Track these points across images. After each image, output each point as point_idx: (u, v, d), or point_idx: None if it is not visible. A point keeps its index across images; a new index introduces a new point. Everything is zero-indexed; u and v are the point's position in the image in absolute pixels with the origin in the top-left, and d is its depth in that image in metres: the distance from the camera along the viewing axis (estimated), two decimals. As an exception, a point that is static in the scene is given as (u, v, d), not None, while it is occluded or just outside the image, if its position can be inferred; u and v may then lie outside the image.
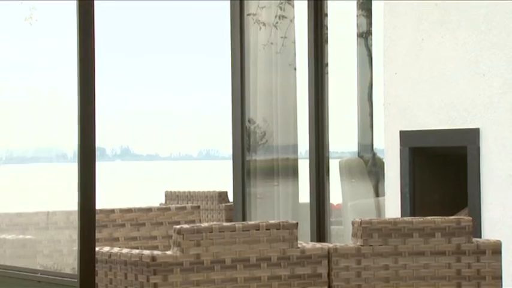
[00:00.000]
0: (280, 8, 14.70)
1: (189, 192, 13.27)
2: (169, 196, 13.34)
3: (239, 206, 14.36)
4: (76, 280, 8.02)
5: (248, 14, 14.77)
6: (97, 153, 8.22)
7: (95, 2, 8.08)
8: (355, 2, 13.94)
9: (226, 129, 14.89)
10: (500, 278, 8.73)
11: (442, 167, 11.40)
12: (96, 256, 8.17)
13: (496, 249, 8.72)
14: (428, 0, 11.43)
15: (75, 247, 8.03)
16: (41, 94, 9.29)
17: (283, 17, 14.64)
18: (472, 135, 10.89)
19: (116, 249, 8.62)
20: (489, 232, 10.11)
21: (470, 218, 9.08)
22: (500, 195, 10.57)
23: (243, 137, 14.78)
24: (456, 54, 11.11)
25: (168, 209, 10.75)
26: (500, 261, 8.74)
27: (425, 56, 11.42)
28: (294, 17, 14.40)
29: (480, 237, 9.67)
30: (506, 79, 10.48)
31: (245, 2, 14.75)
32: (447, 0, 11.21)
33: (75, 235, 8.04)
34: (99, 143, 8.32)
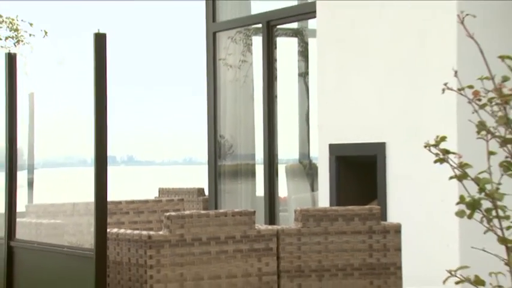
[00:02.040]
0: (243, 55, 14.69)
1: (176, 188, 13.24)
2: (162, 191, 13.31)
3: (212, 198, 14.35)
4: (93, 253, 8.06)
5: (219, 59, 14.76)
6: (108, 160, 8.27)
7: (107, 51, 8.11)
8: (297, 51, 13.94)
9: (204, 142, 14.88)
10: (400, 249, 8.77)
11: (358, 170, 11.40)
12: (108, 235, 8.18)
13: (397, 229, 8.77)
14: (348, 52, 11.45)
15: (92, 228, 8.08)
16: (69, 116, 9.26)
17: (245, 61, 14.61)
18: (380, 147, 10.94)
19: (122, 230, 8.65)
20: (392, 217, 10.12)
21: (379, 207, 9.17)
22: (400, 191, 10.62)
23: (216, 148, 14.77)
24: (368, 87, 11.14)
25: (160, 201, 10.77)
26: (400, 237, 8.79)
27: (346, 89, 11.46)
28: (252, 61, 14.36)
29: (386, 220, 9.64)
30: (403, 106, 10.51)
31: (217, 50, 14.75)
32: (360, 50, 11.22)
33: (92, 220, 8.09)
34: (110, 152, 8.38)
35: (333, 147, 11.62)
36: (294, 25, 13.90)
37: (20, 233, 9.59)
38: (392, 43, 10.84)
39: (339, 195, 11.44)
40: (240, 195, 14.61)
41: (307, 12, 12.94)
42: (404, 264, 8.85)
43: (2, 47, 22.93)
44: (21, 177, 9.99)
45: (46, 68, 9.90)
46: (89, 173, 8.15)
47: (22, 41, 21.67)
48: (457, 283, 4.83)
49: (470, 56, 5.11)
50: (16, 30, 21.53)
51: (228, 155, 14.87)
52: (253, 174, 14.51)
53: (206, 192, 14.16)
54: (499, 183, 4.79)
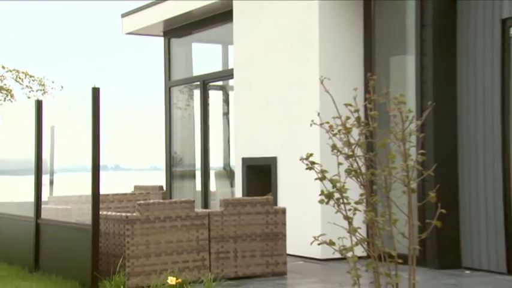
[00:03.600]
0: (187, 101, 14.64)
1: (145, 186, 13.11)
2: (136, 188, 13.14)
3: (168, 192, 14.24)
4: (90, 227, 8.00)
5: (173, 104, 14.70)
6: (101, 167, 8.21)
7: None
8: (221, 99, 13.94)
9: (163, 155, 14.81)
10: (285, 224, 8.73)
11: (260, 174, 11.35)
12: (100, 216, 8.12)
13: (283, 211, 8.79)
14: (253, 100, 11.46)
15: (90, 211, 8.02)
16: (75, 140, 9.17)
17: (188, 105, 14.53)
18: (273, 160, 10.92)
19: (109, 213, 8.58)
20: (280, 203, 10.08)
21: (272, 197, 9.18)
22: (285, 187, 10.62)
23: (171, 160, 14.69)
24: (265, 122, 11.12)
25: (135, 194, 10.74)
26: (285, 216, 8.78)
27: (251, 123, 11.44)
28: (193, 105, 14.31)
29: (276, 205, 9.60)
30: (287, 134, 10.53)
31: (172, 98, 14.70)
32: (261, 99, 11.24)
33: (90, 206, 8.03)
34: (102, 162, 8.26)
35: (244, 159, 11.62)
36: (220, 83, 13.88)
37: (44, 214, 9.53)
38: (281, 95, 10.84)
39: (248, 190, 11.42)
40: (185, 190, 14.50)
41: (228, 75, 12.94)
42: (287, 233, 8.86)
43: (34, 96, 22.66)
44: (45, 178, 9.97)
45: (61, 110, 9.87)
46: (88, 176, 8.13)
47: (46, 91, 21.44)
48: (318, 244, 4.88)
49: (327, 103, 5.18)
50: (43, 85, 21.31)
51: (178, 165, 14.79)
52: (194, 176, 14.41)
53: (164, 188, 14.07)
54: (344, 182, 4.87)
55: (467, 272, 8.91)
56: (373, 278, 4.80)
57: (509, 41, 8.82)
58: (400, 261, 4.80)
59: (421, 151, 4.94)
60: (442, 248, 9.13)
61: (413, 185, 4.83)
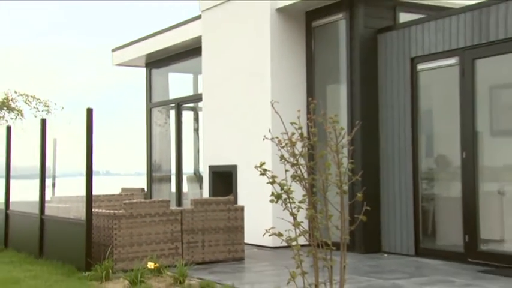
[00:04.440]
0: (165, 119, 14.56)
1: (130, 188, 12.97)
2: (123, 190, 12.99)
3: (149, 193, 14.14)
4: (84, 222, 7.87)
5: (154, 121, 14.62)
6: (94, 173, 8.09)
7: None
8: (192, 118, 13.88)
9: (145, 163, 14.72)
10: (243, 219, 8.71)
11: (223, 178, 11.31)
12: (92, 213, 8.01)
13: (242, 209, 8.77)
14: (217, 119, 11.42)
15: (85, 209, 7.90)
16: (74, 150, 9.06)
17: (166, 122, 14.47)
18: (234, 167, 10.88)
19: (100, 210, 8.47)
20: (240, 202, 10.07)
21: (233, 197, 9.12)
22: (244, 189, 10.59)
23: (151, 166, 14.59)
24: (228, 137, 11.10)
25: (121, 195, 10.62)
26: (243, 213, 8.75)
27: (216, 138, 11.40)
28: (170, 123, 14.25)
29: (237, 204, 9.55)
30: (245, 146, 10.50)
31: (152, 117, 14.61)
32: (223, 118, 11.23)
33: (84, 205, 7.92)
34: (95, 168, 8.15)
35: (210, 167, 11.55)
36: (191, 105, 13.81)
37: (47, 211, 9.44)
38: (240, 114, 10.82)
39: (213, 191, 11.34)
40: (163, 192, 14.39)
41: (198, 98, 12.90)
42: (245, 226, 8.84)
43: (40, 115, 22.38)
44: (48, 182, 9.96)
45: (62, 126, 9.82)
46: (83, 180, 8.06)
47: (50, 111, 21.19)
48: (269, 235, 4.85)
49: (277, 122, 5.15)
50: (47, 106, 21.07)
51: (157, 170, 14.69)
52: (170, 180, 14.32)
53: (145, 190, 13.97)
54: (290, 185, 4.85)
55: (386, 255, 9.00)
56: (312, 261, 4.79)
57: (416, 74, 9.00)
58: (334, 248, 4.81)
59: (351, 160, 4.96)
60: (366, 237, 9.19)
61: (345, 188, 4.85)
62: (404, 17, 9.60)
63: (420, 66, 8.93)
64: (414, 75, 8.98)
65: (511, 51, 7.79)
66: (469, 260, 8.11)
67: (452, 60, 8.49)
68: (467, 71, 8.29)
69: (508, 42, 7.79)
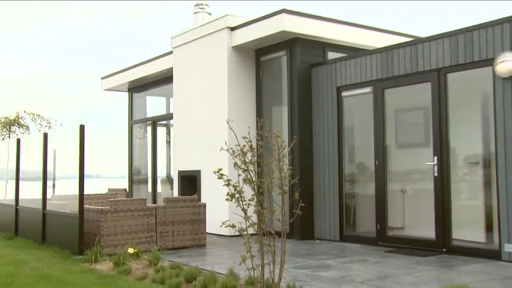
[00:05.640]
0: (143, 133, 14.37)
1: (115, 188, 12.76)
2: (109, 190, 12.76)
3: (130, 193, 13.95)
4: (77, 216, 7.72)
5: (134, 135, 14.42)
6: (86, 176, 7.95)
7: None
8: (165, 132, 13.74)
9: (126, 168, 14.49)
10: (205, 213, 8.63)
11: (190, 181, 11.23)
12: (84, 208, 7.86)
13: (204, 205, 8.69)
14: (185, 133, 11.34)
15: (78, 205, 7.74)
16: (69, 158, 8.87)
17: (144, 136, 14.29)
18: (198, 172, 10.82)
19: (90, 206, 8.31)
20: (203, 200, 9.98)
21: (197, 196, 9.03)
22: (206, 189, 10.50)
23: (132, 170, 14.37)
24: (193, 148, 11.02)
25: (108, 194, 10.42)
26: (205, 208, 8.67)
27: (185, 149, 11.31)
28: (147, 137, 14.08)
29: (200, 201, 9.48)
30: (206, 156, 10.40)
31: (133, 131, 14.42)
32: (190, 134, 11.13)
33: (77, 202, 7.76)
34: (87, 172, 8.01)
35: (179, 171, 11.42)
36: (164, 122, 13.68)
37: (48, 207, 9.27)
38: (203, 130, 10.75)
39: (181, 192, 11.23)
40: (141, 192, 14.19)
41: (169, 117, 12.81)
42: (207, 219, 8.78)
43: (43, 130, 21.85)
44: (49, 183, 9.81)
45: (61, 138, 9.67)
46: (76, 182, 7.91)
47: (51, 127, 20.69)
48: (225, 227, 4.82)
49: (232, 136, 5.15)
50: (49, 123, 20.58)
51: (137, 174, 14.49)
52: (146, 182, 14.09)
53: (127, 190, 13.76)
54: (242, 187, 4.84)
55: (317, 241, 9.01)
56: (259, 247, 4.79)
57: (341, 99, 9.09)
58: (276, 236, 4.80)
59: (290, 167, 4.97)
60: (302, 227, 9.21)
61: (286, 188, 4.85)
62: (331, 55, 9.73)
63: (344, 93, 9.05)
64: (339, 100, 9.10)
65: (410, 83, 8.00)
66: (380, 243, 8.24)
67: (367, 89, 8.63)
68: (378, 97, 8.45)
69: (407, 77, 8.00)
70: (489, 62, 6.96)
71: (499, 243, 6.81)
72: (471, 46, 7.17)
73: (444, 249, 7.44)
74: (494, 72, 6.87)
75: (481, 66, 7.07)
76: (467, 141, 7.62)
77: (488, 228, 7.23)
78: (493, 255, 6.85)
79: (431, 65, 7.65)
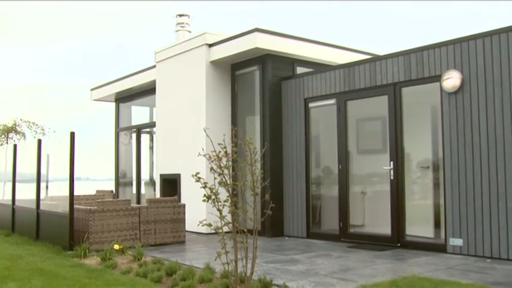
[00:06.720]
0: (128, 140, 14.25)
1: (103, 190, 12.58)
2: (98, 191, 12.58)
3: (116, 194, 13.79)
4: (67, 215, 7.63)
5: (121, 141, 14.28)
6: (76, 178, 7.86)
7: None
8: (148, 139, 13.65)
9: (113, 171, 14.33)
10: (185, 213, 8.59)
11: (170, 184, 11.14)
12: (74, 208, 7.78)
13: (184, 206, 8.65)
14: (167, 140, 11.28)
15: (68, 205, 7.65)
16: (61, 162, 8.77)
17: (129, 142, 14.15)
18: (179, 175, 10.75)
19: (80, 206, 8.21)
20: (183, 201, 9.94)
21: (177, 198, 8.94)
22: (186, 191, 10.43)
23: (118, 174, 14.21)
24: (175, 154, 10.94)
25: (96, 195, 10.31)
26: (185, 208, 8.60)
27: (167, 154, 11.23)
28: (132, 143, 13.95)
29: (180, 202, 9.42)
30: (187, 161, 10.31)
31: (119, 138, 14.29)
32: (171, 141, 11.09)
33: (68, 202, 7.66)
34: (77, 175, 7.92)
35: (161, 175, 11.31)
36: (148, 129, 13.60)
37: (42, 207, 9.15)
38: (183, 137, 10.68)
39: (163, 193, 11.15)
40: (126, 193, 14.03)
41: (152, 125, 12.71)
42: (186, 218, 8.75)
43: (37, 136, 21.49)
44: (43, 185, 9.82)
45: (54, 144, 9.61)
46: (67, 184, 7.82)
47: (45, 134, 20.37)
48: (203, 225, 4.83)
49: (209, 143, 5.16)
50: (43, 129, 20.26)
51: (123, 177, 14.34)
52: (131, 184, 13.94)
53: (114, 191, 13.61)
54: (218, 189, 4.85)
55: (286, 238, 9.03)
56: (233, 244, 4.81)
57: (308, 110, 9.16)
58: (249, 234, 4.81)
59: (262, 171, 5.00)
60: (273, 225, 9.22)
61: (257, 190, 4.86)
62: (299, 69, 9.80)
63: (311, 104, 9.11)
64: (307, 110, 9.17)
65: (369, 96, 8.13)
66: (342, 239, 8.31)
67: (331, 101, 8.72)
68: (341, 108, 8.55)
69: (367, 90, 8.13)
70: (437, 78, 7.15)
71: (445, 238, 6.97)
72: (422, 64, 7.34)
73: (399, 244, 7.56)
74: (441, 87, 7.06)
75: (431, 81, 7.24)
76: (420, 148, 7.77)
77: (437, 224, 7.40)
78: (440, 248, 7.00)
79: (388, 80, 7.80)
